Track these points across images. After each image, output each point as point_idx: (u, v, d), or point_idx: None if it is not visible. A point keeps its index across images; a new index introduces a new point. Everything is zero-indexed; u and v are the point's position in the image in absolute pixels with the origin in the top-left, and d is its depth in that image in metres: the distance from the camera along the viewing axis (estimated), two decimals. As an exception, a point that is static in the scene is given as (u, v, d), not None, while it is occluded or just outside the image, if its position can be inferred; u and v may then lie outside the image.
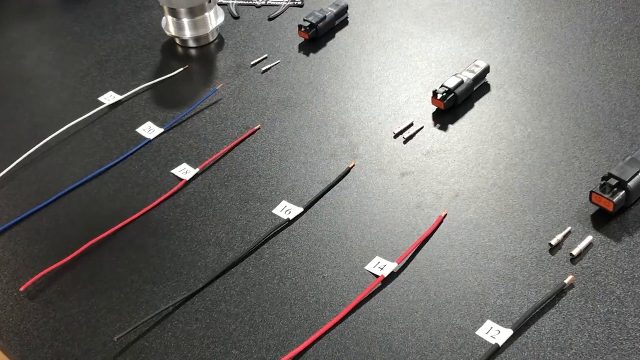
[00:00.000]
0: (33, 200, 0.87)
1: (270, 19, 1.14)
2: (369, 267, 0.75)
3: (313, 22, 1.06)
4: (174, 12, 1.06)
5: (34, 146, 0.93)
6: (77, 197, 0.87)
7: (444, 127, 0.91)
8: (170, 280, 0.76)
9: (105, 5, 1.21)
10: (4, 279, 0.79)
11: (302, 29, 1.06)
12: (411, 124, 0.91)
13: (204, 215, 0.83)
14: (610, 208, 0.76)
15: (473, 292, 0.72)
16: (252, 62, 1.05)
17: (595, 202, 0.77)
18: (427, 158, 0.87)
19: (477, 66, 0.94)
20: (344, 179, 0.85)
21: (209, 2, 1.06)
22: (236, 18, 1.15)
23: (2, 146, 0.96)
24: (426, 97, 0.94)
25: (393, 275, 0.74)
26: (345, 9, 1.10)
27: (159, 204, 0.85)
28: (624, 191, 0.75)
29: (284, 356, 0.68)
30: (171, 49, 1.10)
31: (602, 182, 0.76)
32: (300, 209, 0.82)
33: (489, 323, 0.69)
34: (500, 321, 0.69)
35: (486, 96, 0.94)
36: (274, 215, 0.82)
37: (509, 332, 0.68)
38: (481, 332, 0.68)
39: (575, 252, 0.73)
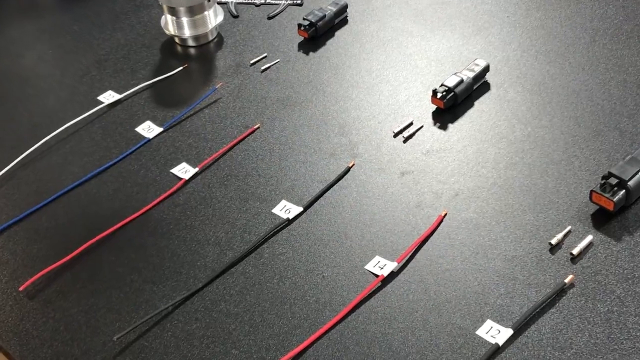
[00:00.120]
0: (32, 199, 0.87)
1: (269, 18, 1.13)
2: (369, 266, 0.75)
3: (312, 21, 1.06)
4: (173, 11, 1.06)
5: (33, 145, 0.93)
6: (76, 197, 0.87)
7: (443, 126, 0.91)
8: (170, 280, 0.76)
9: (104, 4, 1.20)
10: (3, 279, 0.79)
11: (302, 28, 1.06)
12: (411, 123, 0.91)
13: (204, 214, 0.83)
14: (610, 207, 0.75)
15: (473, 291, 0.72)
16: (252, 61, 1.05)
17: (596, 201, 0.77)
18: (427, 157, 0.87)
19: (477, 65, 0.94)
20: (343, 179, 0.85)
21: (208, 1, 1.06)
22: (235, 17, 1.15)
23: (1, 145, 0.95)
24: (426, 96, 0.94)
25: (393, 275, 0.74)
26: (344, 8, 1.10)
27: (158, 203, 0.85)
28: (624, 190, 0.75)
29: (284, 356, 0.68)
30: (170, 48, 1.10)
31: (603, 182, 0.76)
32: (300, 209, 0.82)
33: (489, 323, 0.69)
34: (500, 321, 0.69)
35: (486, 95, 0.94)
36: (274, 214, 0.82)
37: (509, 332, 0.67)
38: (481, 331, 0.68)
39: (575, 251, 0.73)
